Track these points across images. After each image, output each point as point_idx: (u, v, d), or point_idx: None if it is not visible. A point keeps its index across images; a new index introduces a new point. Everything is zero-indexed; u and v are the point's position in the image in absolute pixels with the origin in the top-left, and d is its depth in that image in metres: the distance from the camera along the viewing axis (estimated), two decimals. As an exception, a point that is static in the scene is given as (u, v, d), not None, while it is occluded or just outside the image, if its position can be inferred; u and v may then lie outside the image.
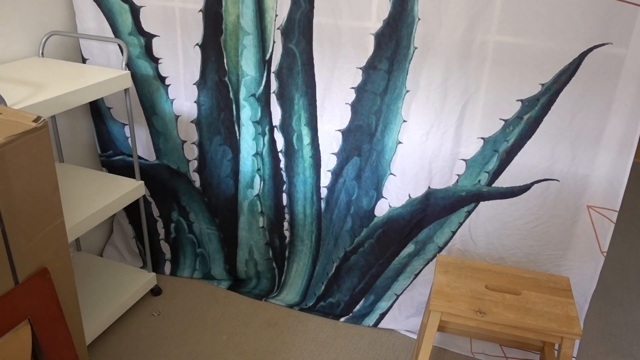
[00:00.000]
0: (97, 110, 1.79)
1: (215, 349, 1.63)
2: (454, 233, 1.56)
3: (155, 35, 1.63)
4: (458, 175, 1.48)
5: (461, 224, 1.54)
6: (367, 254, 1.68)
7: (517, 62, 1.32)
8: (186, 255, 1.94)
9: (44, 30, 1.61)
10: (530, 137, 1.38)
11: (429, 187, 1.52)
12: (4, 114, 0.92)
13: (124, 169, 1.85)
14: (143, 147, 1.81)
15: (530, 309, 1.25)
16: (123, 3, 1.61)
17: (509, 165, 1.43)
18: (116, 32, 1.65)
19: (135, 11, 1.61)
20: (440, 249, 1.60)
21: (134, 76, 1.70)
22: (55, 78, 1.39)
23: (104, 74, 1.45)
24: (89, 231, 1.89)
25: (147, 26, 1.62)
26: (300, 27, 1.47)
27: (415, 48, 1.38)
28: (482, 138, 1.42)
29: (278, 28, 1.49)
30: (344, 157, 1.60)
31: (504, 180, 1.45)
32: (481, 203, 1.49)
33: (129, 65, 1.68)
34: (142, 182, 1.64)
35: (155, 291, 1.84)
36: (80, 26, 1.67)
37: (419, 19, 1.35)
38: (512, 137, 1.39)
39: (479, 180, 1.47)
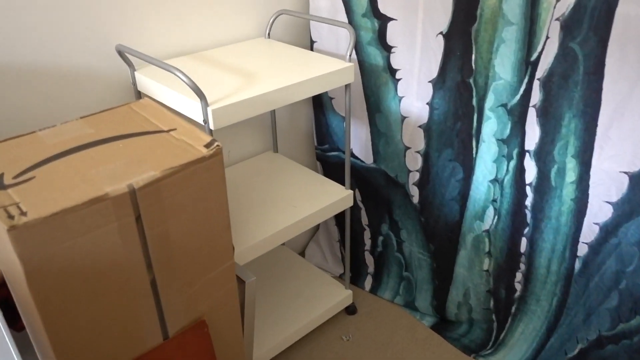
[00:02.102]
0: (318, 98, 1.60)
1: (402, 405, 1.35)
2: None
3: (391, 19, 1.33)
4: None
5: None
6: (634, 351, 1.16)
7: None
8: (390, 275, 1.68)
9: (274, 9, 1.45)
10: None
11: None
12: (177, 131, 0.74)
13: (338, 167, 1.65)
14: (361, 146, 1.57)
15: None
16: (360, -22, 1.34)
17: None
18: (349, 12, 1.40)
19: (372, -12, 1.33)
20: None
21: (361, 65, 1.44)
22: (271, 67, 1.21)
23: (326, 63, 1.22)
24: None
25: (384, 7, 1.33)
26: (592, 18, 1.00)
27: None
28: None
29: (557, 19, 1.04)
30: (625, 211, 1.10)
31: None
32: None
33: (357, 51, 1.43)
34: (352, 192, 1.41)
35: (350, 310, 1.63)
36: (312, 4, 1.47)
37: None
38: None
39: None
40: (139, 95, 1.24)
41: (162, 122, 0.75)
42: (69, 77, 1.16)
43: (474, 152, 1.32)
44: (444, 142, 1.37)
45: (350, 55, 1.24)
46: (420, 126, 1.40)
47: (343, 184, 1.43)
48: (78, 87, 1.19)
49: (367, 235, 1.69)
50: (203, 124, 1.02)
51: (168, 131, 0.73)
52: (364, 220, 1.68)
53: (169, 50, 1.30)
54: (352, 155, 1.60)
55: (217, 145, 0.69)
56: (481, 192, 1.34)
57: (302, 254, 1.86)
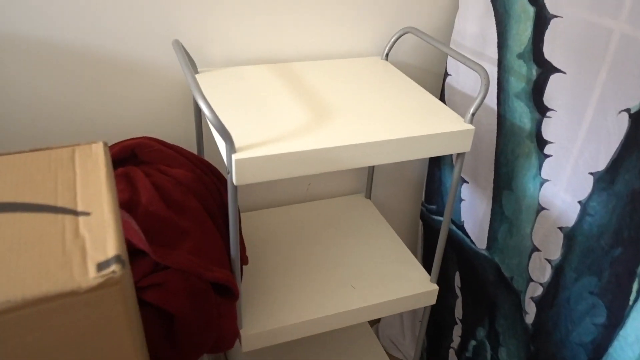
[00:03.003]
0: (439, 146, 1.22)
1: None
2: None
3: (558, 70, 0.91)
4: None
5: None
6: None
7: None
8: (472, 393, 1.27)
9: (400, 24, 1.10)
10: None
11: None
12: (89, 219, 0.47)
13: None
14: (475, 223, 1.17)
15: None
16: (529, 5, 0.93)
17: None
18: (503, 46, 1.00)
19: (541, 22, 0.91)
20: None
21: (500, 120, 1.04)
22: (363, 104, 0.89)
23: (439, 117, 0.86)
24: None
25: (551, 51, 0.91)
26: None
27: None
28: None
29: None
30: None
31: None
32: None
33: (500, 101, 1.02)
34: (437, 287, 1.04)
35: (406, 419, 1.27)
36: (457, 26, 1.09)
37: None
38: None
39: None
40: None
41: (83, 194, 0.49)
42: (125, 68, 0.97)
43: (632, 298, 0.86)
44: (589, 266, 0.92)
45: (473, 114, 0.85)
46: (561, 228, 0.97)
47: (431, 267, 1.06)
48: (134, 81, 0.99)
49: (457, 331, 1.30)
50: (226, 174, 0.75)
51: (77, 214, 0.47)
52: (458, 312, 1.28)
53: (249, 55, 1.04)
54: (462, 230, 1.21)
55: (114, 272, 0.41)
56: (628, 358, 0.88)
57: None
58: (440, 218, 1.27)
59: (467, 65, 0.90)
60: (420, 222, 1.35)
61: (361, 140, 0.78)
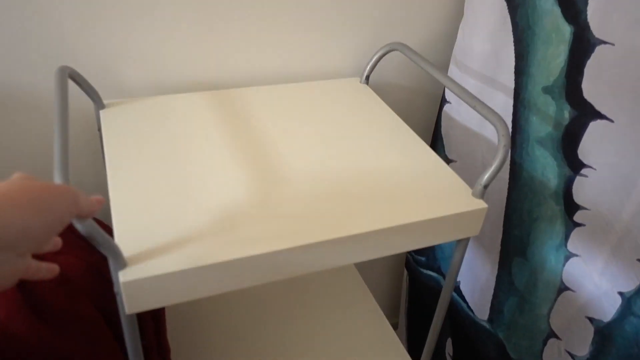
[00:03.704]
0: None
1: None
2: None
3: (601, 116, 0.65)
4: None
5: None
6: None
7: None
8: None
9: (384, 39, 0.84)
10: None
11: None
12: None
13: (428, 294, 1.03)
14: (474, 289, 0.93)
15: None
16: (564, 22, 0.67)
17: None
18: (522, 73, 0.74)
19: (582, 48, 0.65)
20: None
21: (516, 170, 0.79)
22: (327, 160, 0.63)
23: (436, 191, 0.60)
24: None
25: (592, 90, 0.66)
26: None
27: None
28: None
29: None
30: None
31: None
32: None
33: (515, 145, 0.77)
34: (426, 385, 0.80)
35: None
36: (461, 42, 0.83)
37: None
38: None
39: None
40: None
41: None
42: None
43: None
44: (632, 377, 0.70)
45: (486, 187, 0.60)
46: (591, 320, 0.73)
47: (418, 356, 0.82)
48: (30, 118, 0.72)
49: None
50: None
51: None
52: (449, 383, 1.06)
53: (183, 78, 0.77)
54: (458, 292, 0.97)
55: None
56: None
57: None
58: (430, 273, 1.03)
59: (472, 107, 0.65)
60: (405, 272, 1.11)
61: (323, 236, 0.52)
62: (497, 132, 0.59)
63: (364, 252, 0.55)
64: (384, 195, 0.59)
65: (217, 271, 0.48)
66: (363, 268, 1.04)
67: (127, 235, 0.50)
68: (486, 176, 0.59)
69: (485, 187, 0.59)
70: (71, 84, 0.65)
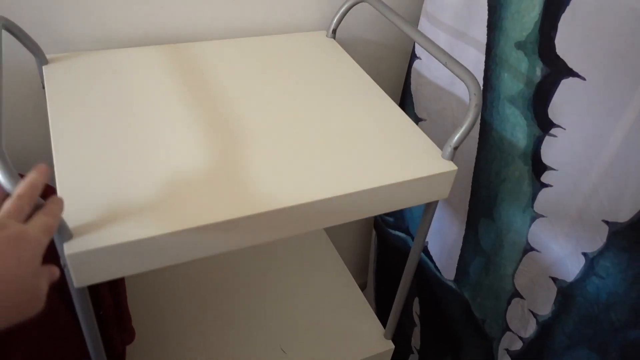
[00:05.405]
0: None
1: None
2: None
3: (573, 73, 0.63)
4: None
5: None
6: None
7: None
8: None
9: (354, -11, 0.79)
10: None
11: None
12: None
13: (396, 255, 1.03)
14: (442, 250, 0.93)
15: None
16: (539, -28, 0.64)
17: None
18: (494, 27, 0.71)
19: (556, 0, 0.62)
20: None
21: (485, 130, 0.77)
22: (290, 119, 0.60)
23: (404, 151, 0.58)
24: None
25: (565, 45, 0.63)
26: None
27: None
28: None
29: None
30: None
31: None
32: None
33: (486, 105, 0.75)
34: (392, 346, 0.80)
35: None
36: (432, -9, 0.79)
37: None
38: None
39: None
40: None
41: None
42: None
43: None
44: (590, 338, 0.71)
45: (456, 148, 0.57)
46: (555, 280, 0.74)
47: (386, 315, 0.81)
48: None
49: (416, 334, 1.09)
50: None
51: None
52: (415, 341, 1.07)
53: (132, 30, 0.71)
54: (426, 252, 0.97)
55: None
56: None
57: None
58: (398, 234, 1.02)
59: (443, 64, 0.62)
60: (374, 232, 1.10)
61: (285, 202, 0.49)
62: (469, 90, 0.56)
63: (330, 218, 0.53)
64: (351, 158, 0.56)
65: (171, 241, 0.45)
66: (331, 229, 1.02)
67: (72, 204, 0.46)
68: (456, 137, 0.57)
69: (455, 148, 0.57)
70: (8, 36, 0.59)
